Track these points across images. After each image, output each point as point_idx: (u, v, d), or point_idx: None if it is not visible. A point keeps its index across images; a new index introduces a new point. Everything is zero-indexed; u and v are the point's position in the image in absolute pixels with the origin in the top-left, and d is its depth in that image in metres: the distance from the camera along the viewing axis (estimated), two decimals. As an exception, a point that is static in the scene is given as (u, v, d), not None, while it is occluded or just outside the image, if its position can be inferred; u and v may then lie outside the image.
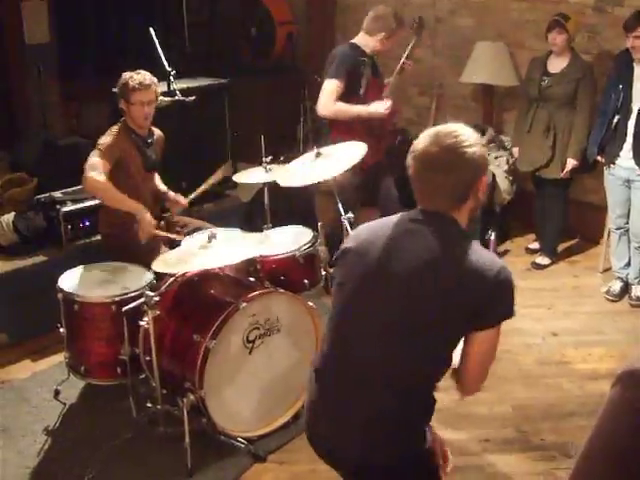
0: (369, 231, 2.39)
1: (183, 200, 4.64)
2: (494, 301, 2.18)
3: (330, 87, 5.00)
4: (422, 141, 2.30)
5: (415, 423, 2.32)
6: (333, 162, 4.23)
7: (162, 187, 4.72)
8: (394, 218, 2.34)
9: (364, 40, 5.21)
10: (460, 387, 2.38)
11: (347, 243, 2.42)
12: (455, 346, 2.29)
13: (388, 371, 2.23)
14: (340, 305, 2.35)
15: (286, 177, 4.27)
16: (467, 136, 2.28)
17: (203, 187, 4.66)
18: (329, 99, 5.00)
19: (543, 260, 5.93)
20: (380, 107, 5.14)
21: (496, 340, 2.28)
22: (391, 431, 2.26)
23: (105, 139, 4.25)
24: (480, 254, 2.20)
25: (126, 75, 4.34)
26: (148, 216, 4.16)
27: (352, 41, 5.25)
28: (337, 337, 2.35)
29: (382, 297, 2.24)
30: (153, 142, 4.52)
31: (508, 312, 2.20)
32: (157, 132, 4.59)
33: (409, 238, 2.25)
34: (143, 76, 4.33)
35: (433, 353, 2.24)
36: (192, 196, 4.67)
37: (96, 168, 4.11)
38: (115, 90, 4.39)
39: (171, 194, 4.69)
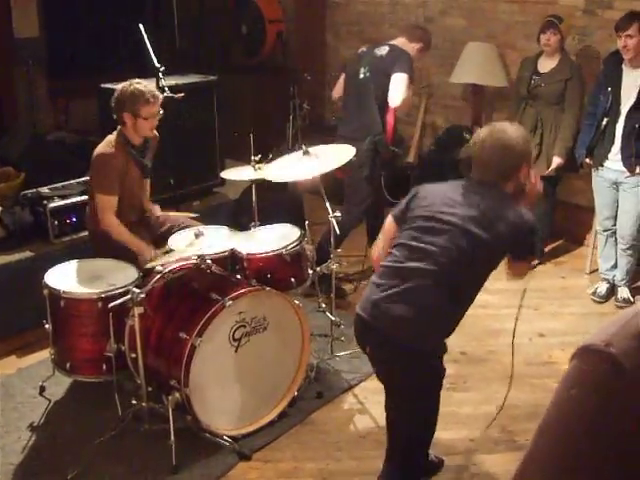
0: (433, 189, 3.24)
1: (157, 212, 4.64)
2: (522, 242, 3.04)
3: (405, 80, 5.15)
4: (481, 132, 3.12)
5: (444, 326, 3.07)
6: (321, 161, 4.24)
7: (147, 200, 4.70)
8: (457, 182, 3.16)
9: (405, 46, 5.37)
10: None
11: (415, 191, 3.32)
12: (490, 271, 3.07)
13: (444, 276, 2.94)
14: (417, 227, 3.07)
15: (274, 173, 4.29)
16: (514, 132, 3.06)
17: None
18: (404, 91, 5.14)
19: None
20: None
21: (526, 266, 3.25)
22: (424, 320, 2.94)
23: (102, 162, 4.21)
24: (514, 209, 2.97)
25: (129, 86, 4.19)
26: (148, 254, 4.15)
27: (395, 43, 5.40)
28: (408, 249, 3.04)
29: (441, 237, 2.96)
30: (148, 148, 4.45)
31: (531, 251, 3.27)
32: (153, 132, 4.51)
33: (468, 195, 3.03)
34: (147, 86, 4.24)
35: (477, 275, 3.04)
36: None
37: (109, 208, 4.21)
38: (115, 101, 4.23)
39: (154, 208, 4.67)
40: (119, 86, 4.26)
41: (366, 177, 5.34)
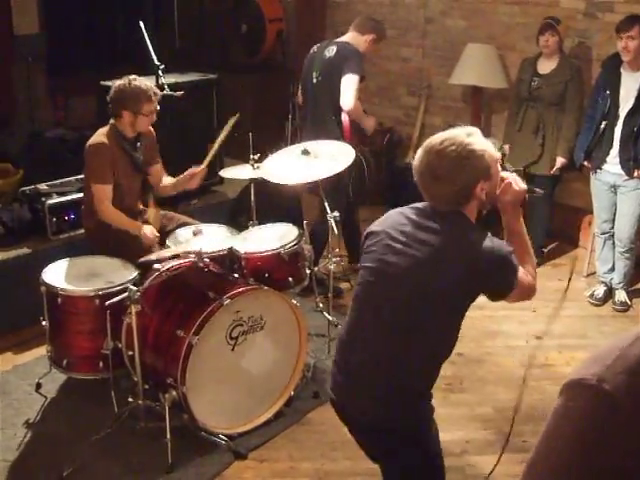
0: (388, 221, 2.70)
1: (198, 169, 4.59)
2: (496, 278, 2.50)
3: (355, 82, 5.05)
4: (425, 147, 2.56)
5: (417, 396, 2.63)
6: (322, 163, 4.24)
7: (169, 180, 4.69)
8: (408, 211, 2.66)
9: (355, 40, 5.26)
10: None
11: (372, 227, 2.74)
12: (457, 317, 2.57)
13: (400, 341, 2.51)
14: (363, 283, 2.63)
15: (274, 173, 4.28)
16: (458, 143, 2.50)
17: (217, 144, 4.58)
18: (355, 94, 5.05)
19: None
20: (371, 125, 5.40)
21: (522, 293, 2.59)
22: (396, 399, 2.56)
23: (95, 153, 4.22)
24: (474, 241, 2.47)
25: (129, 84, 4.20)
26: (146, 230, 4.21)
27: (345, 40, 5.29)
28: (358, 310, 2.65)
29: (397, 280, 2.51)
30: (140, 143, 4.44)
31: (510, 284, 2.51)
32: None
33: (422, 230, 2.53)
34: (146, 83, 4.25)
35: (441, 322, 2.54)
36: (208, 158, 4.58)
37: (105, 198, 4.22)
38: (115, 98, 4.24)
39: (183, 176, 4.63)
40: (117, 83, 4.27)
41: (333, 183, 5.04)
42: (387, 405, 2.56)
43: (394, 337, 2.52)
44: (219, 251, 4.04)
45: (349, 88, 5.04)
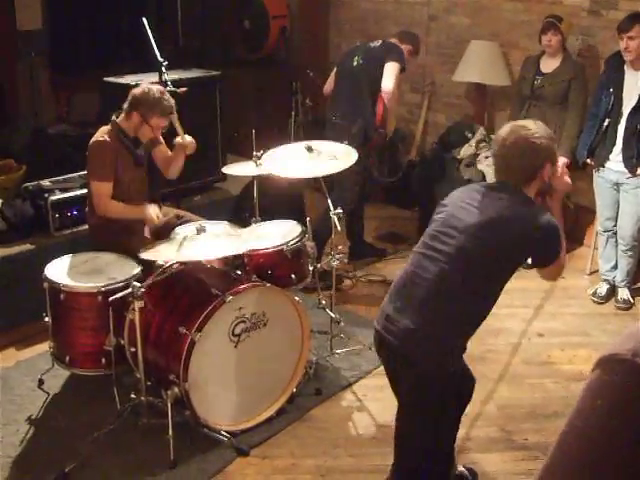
0: (457, 192, 3.12)
1: (182, 140, 4.57)
2: (541, 247, 2.86)
3: (397, 69, 5.42)
4: (502, 130, 2.97)
5: (454, 336, 2.90)
6: (324, 162, 4.26)
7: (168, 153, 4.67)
8: (476, 186, 3.09)
9: (397, 43, 5.61)
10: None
11: (443, 200, 3.13)
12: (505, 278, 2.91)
13: (455, 286, 2.82)
14: (424, 240, 2.99)
15: (276, 166, 4.30)
16: (536, 130, 2.89)
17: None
18: (395, 80, 5.37)
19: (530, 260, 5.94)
20: (393, 124, 5.84)
21: (556, 269, 2.98)
22: (430, 332, 2.81)
23: (96, 150, 4.22)
24: (533, 213, 2.82)
25: (155, 92, 4.20)
26: (149, 211, 4.24)
27: (392, 41, 5.65)
28: (418, 258, 2.97)
29: (448, 244, 2.86)
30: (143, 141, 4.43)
31: (555, 254, 2.88)
32: None
33: (488, 198, 2.90)
34: (169, 99, 4.25)
35: (490, 280, 2.88)
36: (179, 128, 4.54)
37: (105, 195, 4.23)
38: (133, 97, 4.23)
39: (175, 150, 4.61)
40: (147, 85, 4.29)
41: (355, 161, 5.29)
42: (426, 339, 2.81)
43: (450, 284, 2.82)
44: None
45: (391, 73, 5.37)
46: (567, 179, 3.08)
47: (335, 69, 5.80)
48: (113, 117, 4.31)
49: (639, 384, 1.11)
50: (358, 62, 5.53)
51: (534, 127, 2.90)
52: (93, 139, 4.27)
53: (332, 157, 4.33)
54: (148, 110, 4.19)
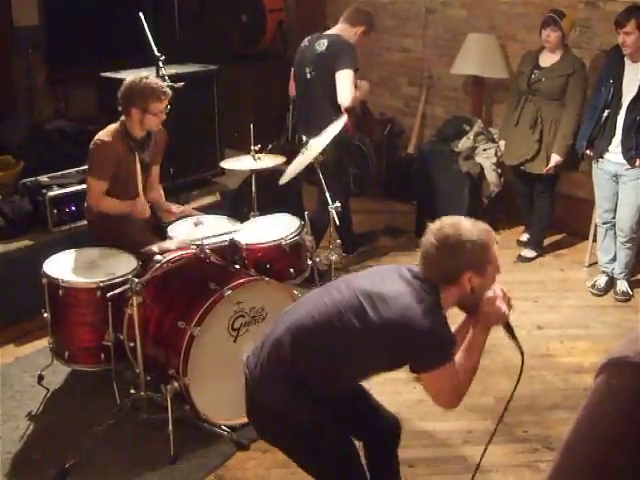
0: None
1: (178, 209, 4.59)
2: (413, 350, 2.55)
3: (350, 77, 5.05)
4: (436, 223, 2.66)
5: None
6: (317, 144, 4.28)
7: (162, 199, 4.68)
8: (399, 267, 2.73)
9: (346, 32, 5.27)
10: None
11: None
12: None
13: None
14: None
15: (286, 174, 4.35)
16: (470, 233, 2.57)
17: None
18: (351, 89, 5.04)
19: (529, 253, 5.95)
20: (365, 90, 5.51)
21: (441, 384, 2.59)
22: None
23: (98, 148, 4.21)
24: (411, 309, 2.49)
25: (139, 81, 4.17)
26: (137, 205, 4.25)
27: (335, 32, 5.29)
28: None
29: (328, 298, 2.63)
30: (150, 143, 4.39)
31: (427, 364, 2.55)
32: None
33: (391, 279, 2.63)
34: (158, 82, 4.23)
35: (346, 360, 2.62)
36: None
37: (98, 192, 4.24)
38: (124, 95, 4.21)
39: (166, 205, 4.64)
40: (128, 79, 4.23)
41: (333, 174, 5.14)
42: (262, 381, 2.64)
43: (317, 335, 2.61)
44: (221, 242, 4.03)
45: (345, 84, 5.03)
46: (502, 308, 2.65)
47: (292, 71, 5.57)
48: (122, 117, 4.28)
49: None
50: (311, 74, 5.25)
51: (466, 228, 2.58)
52: (97, 137, 4.23)
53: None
54: (142, 100, 4.16)
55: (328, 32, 5.36)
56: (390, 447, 3.02)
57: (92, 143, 4.24)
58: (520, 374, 2.73)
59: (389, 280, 2.61)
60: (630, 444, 1.10)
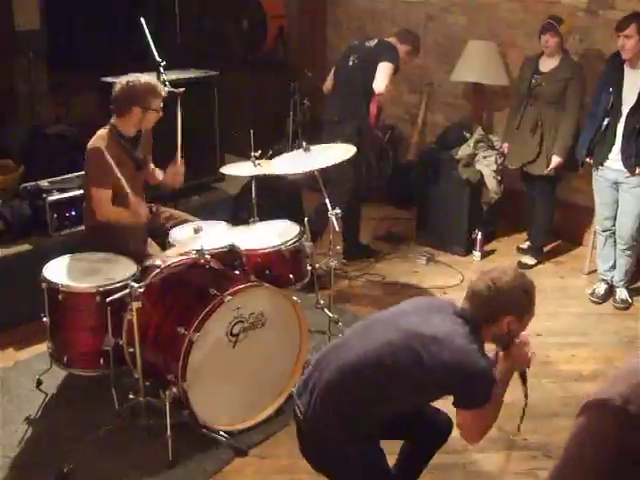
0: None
1: (178, 165, 4.60)
2: (462, 386, 2.66)
3: (390, 69, 5.41)
4: (484, 271, 2.84)
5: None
6: (322, 156, 4.28)
7: (157, 174, 4.70)
8: (445, 302, 2.93)
9: (395, 43, 5.64)
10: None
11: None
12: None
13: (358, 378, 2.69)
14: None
15: (275, 167, 4.34)
16: (516, 279, 2.76)
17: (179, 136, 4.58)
18: (388, 80, 5.36)
19: (529, 260, 5.95)
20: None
21: (473, 421, 2.75)
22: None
23: (96, 156, 4.14)
24: (466, 350, 2.62)
25: (137, 81, 4.20)
26: (142, 208, 4.25)
27: (386, 39, 5.67)
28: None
29: (382, 335, 2.73)
30: (139, 141, 4.41)
31: (475, 403, 2.68)
32: None
33: (438, 317, 2.75)
34: (153, 79, 4.29)
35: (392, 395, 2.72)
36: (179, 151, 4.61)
37: (105, 201, 4.20)
38: (126, 95, 4.21)
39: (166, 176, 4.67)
40: (124, 81, 4.23)
41: (349, 159, 5.32)
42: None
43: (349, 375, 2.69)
44: (220, 248, 4.02)
45: (384, 73, 5.37)
46: (527, 352, 2.84)
47: (333, 68, 5.86)
48: (112, 120, 4.28)
49: (629, 435, 1.08)
50: (354, 62, 5.59)
51: (512, 277, 2.76)
52: (91, 144, 4.20)
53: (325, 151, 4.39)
54: (145, 98, 4.19)
55: (380, 38, 5.75)
56: (432, 448, 3.13)
57: (87, 152, 4.21)
58: (523, 415, 3.05)
59: (436, 319, 2.72)
60: None
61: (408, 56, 5.74)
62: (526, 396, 2.95)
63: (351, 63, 5.60)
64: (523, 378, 2.94)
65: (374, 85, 5.35)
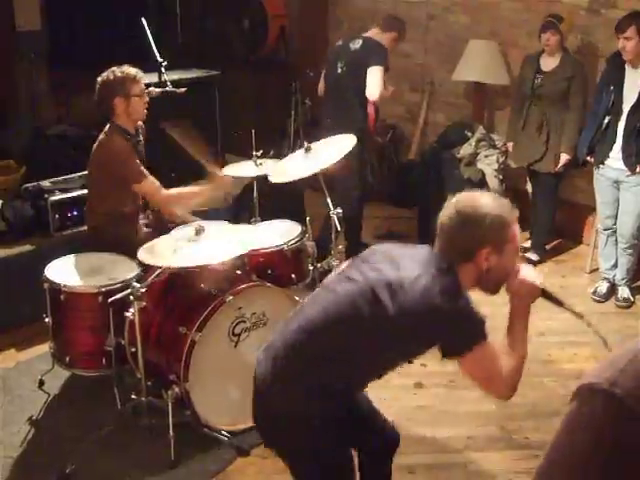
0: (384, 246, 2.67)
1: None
2: (443, 334, 2.39)
3: (381, 72, 5.31)
4: (457, 196, 2.52)
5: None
6: (323, 155, 4.28)
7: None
8: (412, 246, 2.61)
9: (378, 36, 5.53)
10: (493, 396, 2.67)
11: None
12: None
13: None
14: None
15: (278, 173, 4.32)
16: (491, 206, 2.42)
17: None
18: (380, 84, 5.29)
19: (532, 256, 5.94)
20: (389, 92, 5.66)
21: (482, 366, 2.44)
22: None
23: (118, 154, 4.15)
24: (435, 290, 2.32)
25: (112, 73, 4.20)
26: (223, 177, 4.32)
27: (369, 35, 5.54)
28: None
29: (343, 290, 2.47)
30: (141, 137, 4.43)
31: (459, 347, 2.37)
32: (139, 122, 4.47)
33: (406, 261, 2.46)
34: (127, 66, 4.25)
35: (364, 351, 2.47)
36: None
37: (157, 187, 4.21)
38: (104, 89, 4.22)
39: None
40: (101, 77, 4.24)
41: (352, 168, 5.41)
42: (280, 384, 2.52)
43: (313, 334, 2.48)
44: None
45: (375, 79, 5.27)
46: (534, 281, 2.61)
47: (323, 71, 5.81)
48: (109, 123, 4.28)
49: (616, 416, 1.09)
50: (342, 69, 5.48)
51: (484, 202, 2.44)
52: (109, 143, 4.20)
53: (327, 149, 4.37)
54: (123, 86, 4.19)
55: (363, 34, 5.60)
56: (386, 457, 2.94)
57: (112, 154, 4.17)
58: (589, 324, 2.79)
59: (407, 263, 2.43)
60: (597, 474, 1.09)
61: (394, 42, 5.64)
62: (575, 313, 2.78)
63: (340, 71, 5.49)
64: (550, 299, 2.71)
65: (367, 93, 5.28)
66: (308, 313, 2.53)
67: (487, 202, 2.43)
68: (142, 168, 4.20)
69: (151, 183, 4.21)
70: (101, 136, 4.27)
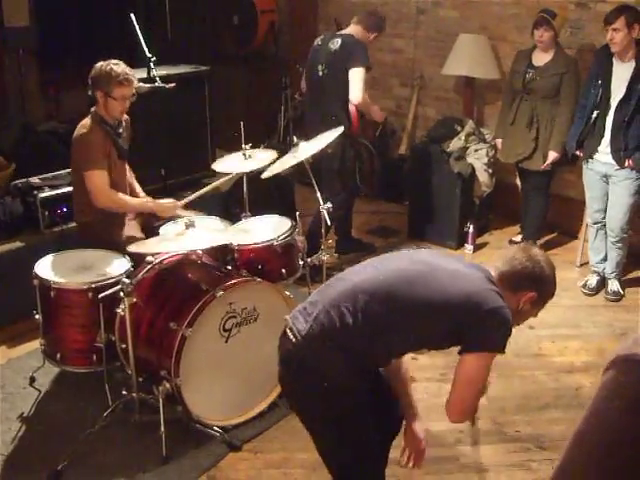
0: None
1: (177, 203, 4.54)
2: (477, 327, 2.53)
3: (362, 74, 5.24)
4: (523, 245, 2.90)
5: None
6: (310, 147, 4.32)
7: (140, 191, 4.68)
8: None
9: (360, 34, 5.42)
10: (446, 406, 2.71)
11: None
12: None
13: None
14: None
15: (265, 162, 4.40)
16: (547, 266, 2.78)
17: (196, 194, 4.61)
18: (362, 86, 5.23)
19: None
20: (379, 114, 5.76)
21: (478, 371, 2.58)
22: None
23: (83, 141, 4.19)
24: (488, 289, 2.57)
25: (106, 66, 4.19)
26: (162, 201, 4.34)
27: (349, 32, 5.45)
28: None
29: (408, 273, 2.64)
30: (123, 131, 4.42)
31: (489, 346, 2.56)
32: (124, 116, 4.47)
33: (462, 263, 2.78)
34: (124, 69, 4.21)
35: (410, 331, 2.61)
36: (190, 198, 4.61)
37: (104, 183, 4.20)
38: (91, 78, 4.23)
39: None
40: (97, 64, 4.25)
41: (337, 170, 5.46)
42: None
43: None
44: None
45: (357, 81, 5.20)
46: (416, 445, 2.91)
47: (305, 72, 5.75)
48: (93, 108, 4.30)
49: None
50: (323, 72, 5.38)
51: (544, 259, 2.80)
52: (76, 132, 4.25)
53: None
54: (106, 84, 4.18)
55: (341, 32, 5.55)
56: (391, 440, 3.04)
57: (74, 140, 4.25)
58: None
59: (459, 265, 2.71)
60: (636, 437, 1.12)
61: (375, 38, 5.56)
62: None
63: (321, 73, 5.40)
64: None
65: (350, 96, 5.22)
66: (362, 279, 2.63)
67: (552, 265, 2.82)
68: (100, 160, 4.18)
69: (100, 177, 4.19)
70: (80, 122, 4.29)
